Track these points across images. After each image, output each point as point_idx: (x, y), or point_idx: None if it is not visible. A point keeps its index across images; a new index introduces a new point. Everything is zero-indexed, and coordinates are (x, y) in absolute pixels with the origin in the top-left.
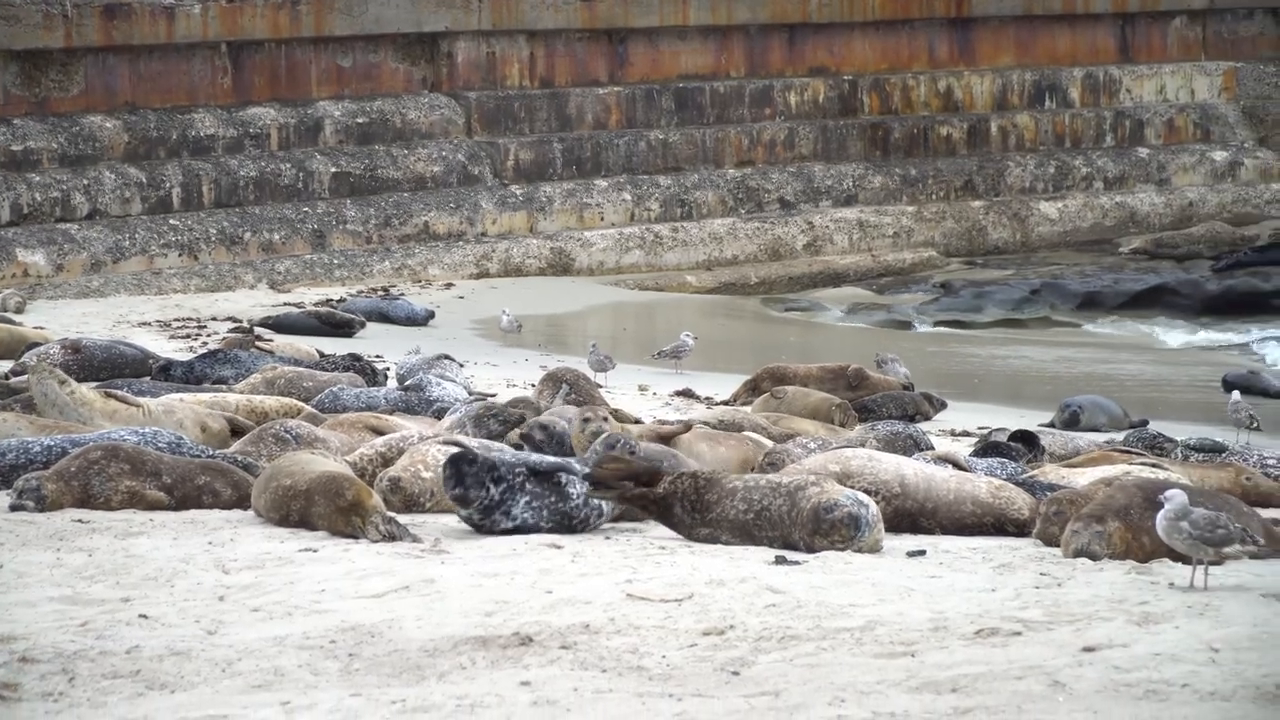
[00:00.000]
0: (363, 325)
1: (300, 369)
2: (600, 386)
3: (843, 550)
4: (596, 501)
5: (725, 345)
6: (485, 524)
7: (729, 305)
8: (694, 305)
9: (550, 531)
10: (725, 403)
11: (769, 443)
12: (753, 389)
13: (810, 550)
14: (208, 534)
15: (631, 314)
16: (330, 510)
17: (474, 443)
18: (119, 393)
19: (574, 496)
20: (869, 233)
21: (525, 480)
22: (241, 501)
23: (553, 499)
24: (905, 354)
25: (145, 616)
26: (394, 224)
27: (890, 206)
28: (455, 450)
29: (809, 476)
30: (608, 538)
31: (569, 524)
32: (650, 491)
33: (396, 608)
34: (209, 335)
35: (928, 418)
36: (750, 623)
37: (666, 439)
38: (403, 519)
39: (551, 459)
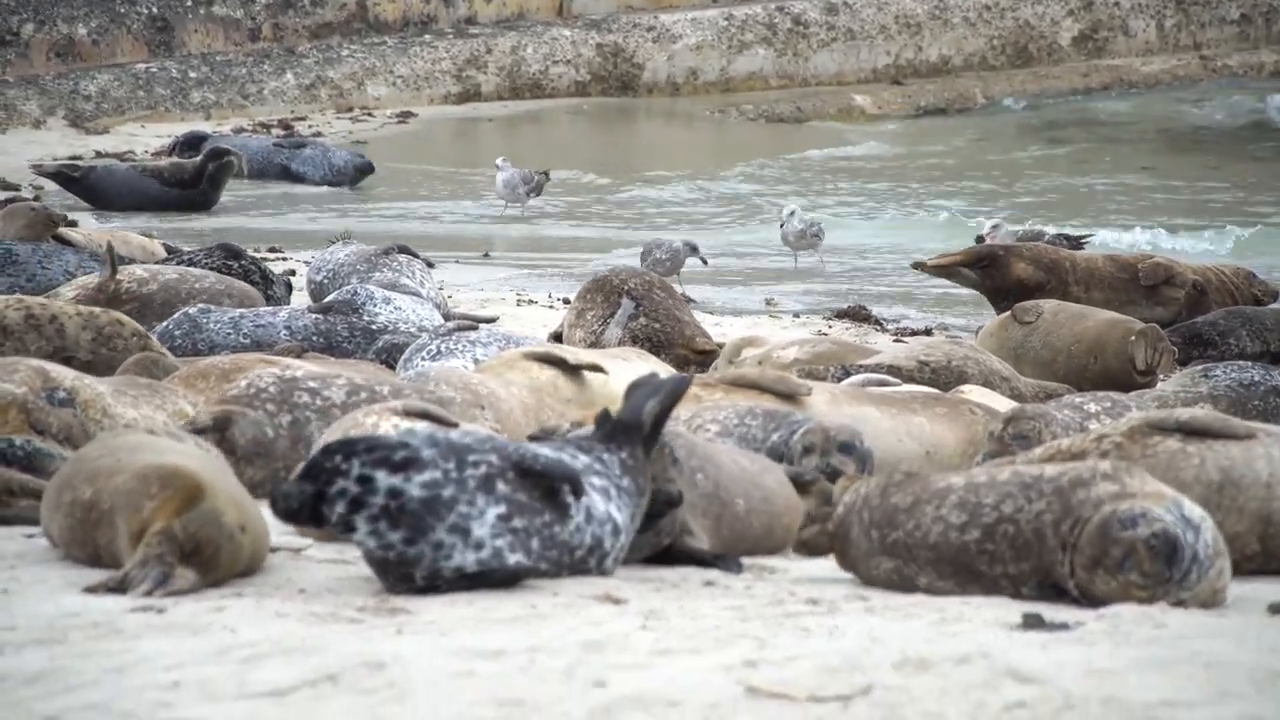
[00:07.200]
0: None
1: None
2: (691, 302)
3: (1146, 602)
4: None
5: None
6: (409, 556)
7: (932, 141)
8: (865, 145)
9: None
10: (928, 331)
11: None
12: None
13: (1087, 598)
14: None
15: (749, 163)
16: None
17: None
18: None
19: (576, 516)
20: (1192, 14)
21: (499, 477)
22: None
23: (545, 519)
24: None
25: None
26: (302, 2)
27: None
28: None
29: (1101, 465)
30: (708, 583)
31: (569, 562)
32: (823, 529)
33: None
34: None
35: None
36: None
37: (787, 398)
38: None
39: (551, 453)
